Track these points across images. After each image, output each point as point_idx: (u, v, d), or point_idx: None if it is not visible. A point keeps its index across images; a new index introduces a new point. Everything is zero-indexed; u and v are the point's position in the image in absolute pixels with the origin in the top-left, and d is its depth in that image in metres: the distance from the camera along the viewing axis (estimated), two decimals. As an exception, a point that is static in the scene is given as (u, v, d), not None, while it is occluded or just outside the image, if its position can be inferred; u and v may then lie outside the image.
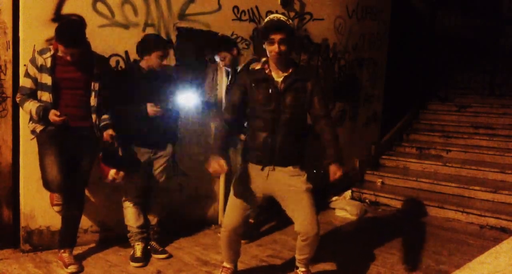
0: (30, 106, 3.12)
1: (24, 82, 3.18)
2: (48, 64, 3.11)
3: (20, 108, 3.28)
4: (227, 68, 3.98)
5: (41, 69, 3.12)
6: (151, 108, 3.38)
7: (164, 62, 3.52)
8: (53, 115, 3.08)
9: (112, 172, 3.28)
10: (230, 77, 3.98)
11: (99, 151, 3.33)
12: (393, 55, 6.62)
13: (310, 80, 2.80)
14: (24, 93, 3.17)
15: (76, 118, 3.23)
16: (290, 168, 2.82)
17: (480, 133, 6.51)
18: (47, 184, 3.22)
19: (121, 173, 3.30)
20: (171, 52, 3.93)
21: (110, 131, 3.31)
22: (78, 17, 3.45)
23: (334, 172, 2.75)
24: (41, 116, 3.10)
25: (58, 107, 3.15)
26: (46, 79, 3.12)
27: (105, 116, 3.34)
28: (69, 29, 3.08)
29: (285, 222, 4.61)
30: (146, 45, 3.43)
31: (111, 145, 3.31)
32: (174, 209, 4.14)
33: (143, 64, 3.46)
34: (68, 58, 3.08)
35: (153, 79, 3.48)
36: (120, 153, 3.34)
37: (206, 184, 4.41)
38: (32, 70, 3.13)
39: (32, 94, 3.16)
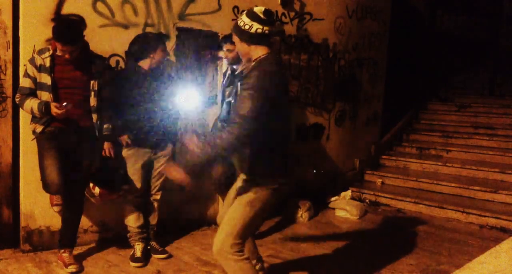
0: (31, 104, 3.10)
1: (23, 82, 3.17)
2: (47, 64, 3.11)
3: (20, 109, 3.28)
4: (229, 63, 3.84)
5: (40, 69, 3.11)
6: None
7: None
8: (54, 108, 3.04)
9: (91, 185, 3.30)
10: (226, 77, 3.90)
11: (100, 151, 3.34)
12: (393, 55, 6.63)
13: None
14: (23, 93, 3.15)
15: (76, 118, 3.22)
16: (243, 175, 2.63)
17: (480, 134, 6.51)
18: (46, 186, 3.22)
19: (97, 189, 3.29)
20: (171, 52, 3.94)
21: (107, 145, 3.34)
22: (78, 17, 3.45)
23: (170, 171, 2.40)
24: (44, 112, 3.08)
25: None
26: (46, 79, 3.12)
27: (106, 125, 3.34)
28: (66, 27, 3.08)
29: (285, 222, 4.62)
30: (148, 44, 3.41)
31: (105, 159, 3.32)
32: (174, 209, 4.14)
33: (144, 64, 3.45)
34: (67, 56, 3.07)
35: (153, 79, 3.48)
36: (107, 171, 3.33)
37: (206, 184, 4.40)
38: (31, 70, 3.13)
39: (31, 94, 3.14)
